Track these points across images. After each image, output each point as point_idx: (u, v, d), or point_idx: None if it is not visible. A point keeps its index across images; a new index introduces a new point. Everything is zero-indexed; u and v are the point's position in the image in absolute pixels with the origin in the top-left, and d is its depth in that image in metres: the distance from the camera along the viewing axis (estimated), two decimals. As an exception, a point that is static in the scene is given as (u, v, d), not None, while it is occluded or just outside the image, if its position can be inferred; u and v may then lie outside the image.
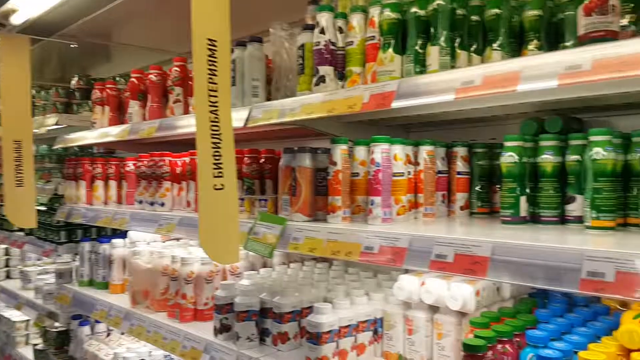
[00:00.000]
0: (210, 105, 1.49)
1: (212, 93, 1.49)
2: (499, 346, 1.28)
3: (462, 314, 1.53)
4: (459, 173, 1.80)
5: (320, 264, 2.17)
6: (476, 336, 1.25)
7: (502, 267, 1.08)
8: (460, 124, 2.04)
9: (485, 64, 1.12)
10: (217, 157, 1.49)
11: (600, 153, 1.26)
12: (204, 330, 2.03)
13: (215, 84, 1.50)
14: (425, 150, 1.71)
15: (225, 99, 1.52)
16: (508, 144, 1.48)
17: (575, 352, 1.17)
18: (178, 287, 2.22)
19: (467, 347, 1.18)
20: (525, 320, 1.38)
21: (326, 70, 1.53)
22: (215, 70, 1.50)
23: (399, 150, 1.60)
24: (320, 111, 1.41)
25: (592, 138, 1.29)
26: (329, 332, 1.53)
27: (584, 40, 1.07)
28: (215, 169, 1.49)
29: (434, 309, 1.60)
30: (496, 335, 1.27)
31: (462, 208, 1.80)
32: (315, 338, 1.53)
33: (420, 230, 1.35)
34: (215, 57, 1.50)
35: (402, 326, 1.62)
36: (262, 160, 2.06)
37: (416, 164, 1.72)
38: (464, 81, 1.11)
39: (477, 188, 1.79)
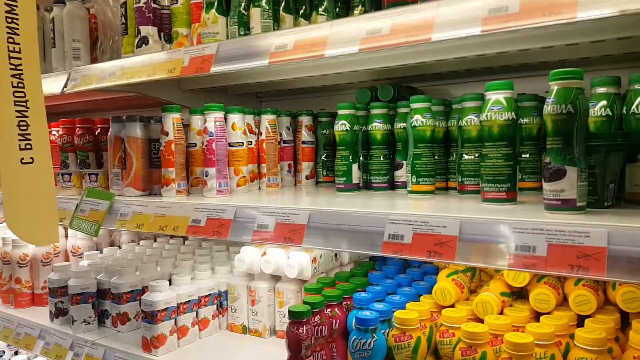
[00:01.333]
0: (12, 69, 1.30)
1: (13, 55, 1.29)
2: (328, 310, 1.29)
3: (302, 281, 1.54)
4: (304, 142, 1.79)
5: (174, 239, 2.07)
6: (304, 302, 1.25)
7: (317, 234, 1.07)
8: (310, 93, 2.03)
9: (297, 27, 1.09)
10: (23, 128, 1.31)
11: (419, 120, 1.31)
12: (41, 316, 1.86)
13: (17, 44, 1.30)
14: (267, 119, 1.67)
15: (31, 62, 1.33)
16: (340, 112, 1.49)
17: (395, 311, 1.22)
18: (11, 271, 2.01)
19: (291, 313, 1.18)
20: (357, 283, 1.42)
21: (149, 30, 1.40)
22: (16, 28, 1.30)
23: (238, 119, 1.54)
24: (140, 75, 1.29)
25: (412, 105, 1.32)
26: (165, 309, 1.45)
27: (387, 4, 1.07)
28: (21, 140, 1.31)
29: (276, 278, 1.59)
30: (324, 299, 1.28)
31: (307, 177, 1.80)
32: (151, 317, 1.44)
33: (253, 201, 1.31)
34: (15, 13, 1.30)
35: (246, 297, 1.59)
36: (98, 131, 1.88)
37: (258, 133, 1.67)
38: (277, 45, 1.07)
39: (322, 157, 1.80)
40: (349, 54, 0.99)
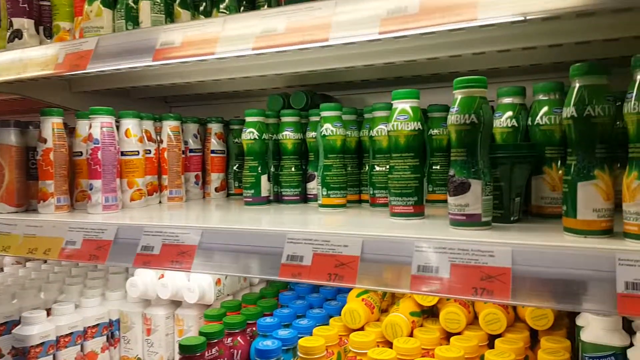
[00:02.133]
0: None
1: None
2: (229, 339, 1.17)
3: (205, 307, 1.40)
4: (213, 152, 1.66)
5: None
6: (200, 332, 1.12)
7: (210, 256, 0.95)
8: (222, 99, 1.91)
9: (187, 23, 0.98)
10: None
11: (329, 129, 1.23)
12: None
13: None
14: (169, 126, 1.52)
15: None
16: (248, 119, 1.38)
17: (300, 338, 1.12)
18: None
19: (182, 348, 1.04)
20: (264, 306, 1.31)
21: (23, 23, 1.23)
22: None
23: (132, 125, 1.39)
24: (9, 72, 1.12)
25: (322, 113, 1.24)
26: (41, 344, 1.26)
27: (284, 1, 0.99)
28: None
29: (176, 304, 1.44)
30: (224, 327, 1.16)
31: (217, 189, 1.66)
32: (22, 354, 1.25)
33: (144, 218, 1.16)
34: None
35: (141, 326, 1.43)
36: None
37: (159, 141, 1.53)
38: (163, 42, 0.95)
39: (234, 168, 1.68)
40: (242, 54, 0.88)
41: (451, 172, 0.89)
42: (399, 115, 1.02)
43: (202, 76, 1.50)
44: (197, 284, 1.34)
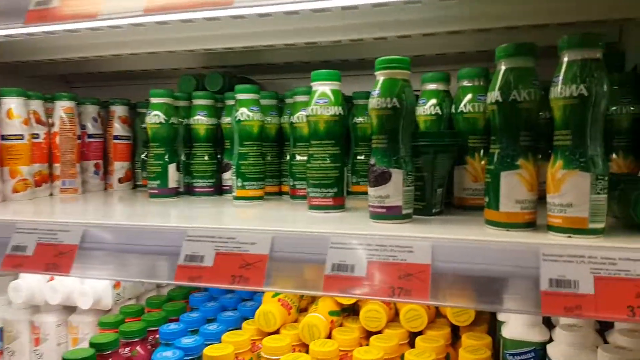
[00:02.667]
0: None
1: None
2: (126, 350, 1.04)
3: (103, 312, 1.25)
4: (116, 137, 1.49)
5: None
6: (91, 343, 0.98)
7: (95, 257, 0.82)
8: (130, 79, 1.73)
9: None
10: None
11: (245, 114, 1.12)
12: None
13: None
14: (61, 107, 1.34)
15: None
16: (154, 100, 1.23)
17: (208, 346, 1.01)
18: None
19: (65, 363, 0.90)
20: (170, 310, 1.18)
21: None
22: None
23: (16, 105, 1.20)
24: None
25: (238, 96, 1.13)
26: None
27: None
28: None
29: (70, 309, 1.27)
30: (120, 336, 1.02)
31: (121, 180, 1.50)
32: None
33: (23, 213, 1.00)
34: None
35: (28, 336, 1.25)
36: None
37: (50, 124, 1.34)
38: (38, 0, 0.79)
39: (142, 156, 1.52)
40: (134, 16, 0.75)
41: (372, 161, 0.81)
42: (319, 98, 0.93)
43: (99, 50, 1.33)
44: (91, 287, 1.18)
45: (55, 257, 0.81)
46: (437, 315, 1.08)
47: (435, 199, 0.88)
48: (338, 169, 0.94)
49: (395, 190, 0.79)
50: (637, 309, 0.54)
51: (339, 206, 0.94)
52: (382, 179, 0.80)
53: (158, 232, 0.80)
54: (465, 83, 0.94)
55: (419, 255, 0.66)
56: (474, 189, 0.93)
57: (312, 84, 0.95)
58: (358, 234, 0.71)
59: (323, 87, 0.93)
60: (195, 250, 0.77)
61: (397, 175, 0.79)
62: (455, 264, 0.66)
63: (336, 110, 0.93)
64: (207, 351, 0.92)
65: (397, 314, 1.09)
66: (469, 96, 0.93)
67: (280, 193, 1.28)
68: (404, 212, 0.80)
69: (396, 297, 0.65)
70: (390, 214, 0.79)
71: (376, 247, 0.69)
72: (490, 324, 1.07)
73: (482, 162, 0.93)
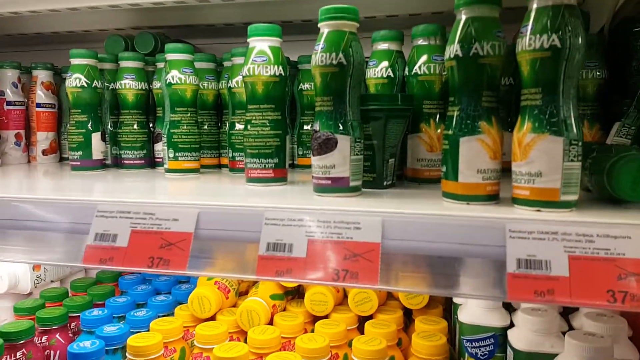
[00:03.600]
0: None
1: None
2: (43, 339, 0.91)
3: (23, 297, 1.11)
4: (39, 105, 1.33)
5: None
6: (0, 333, 0.85)
7: (-12, 237, 0.69)
8: (56, 43, 1.55)
9: None
10: None
11: (177, 76, 0.99)
12: None
13: None
14: (-31, 69, 1.17)
15: None
16: (74, 62, 1.08)
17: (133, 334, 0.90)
18: None
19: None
20: (96, 294, 1.06)
21: None
22: None
23: None
24: None
25: (168, 57, 1.00)
26: None
27: None
28: None
29: (-18, 295, 1.13)
30: (36, 324, 0.89)
31: (45, 152, 1.34)
32: None
33: None
34: None
35: None
36: None
37: (-45, 88, 1.17)
38: None
39: (68, 126, 1.36)
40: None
41: (315, 126, 0.71)
42: (257, 56, 0.82)
43: (16, 4, 1.16)
44: (6, 269, 1.04)
45: None
46: (388, 298, 1.01)
47: (386, 170, 0.79)
48: (279, 138, 0.83)
49: (342, 159, 0.70)
50: (618, 294, 0.47)
51: (280, 178, 0.84)
52: (326, 146, 0.70)
53: (63, 206, 0.68)
54: (421, 42, 0.85)
55: (368, 233, 0.58)
56: (429, 159, 0.84)
57: (249, 39, 0.83)
58: (297, 208, 0.61)
59: (261, 44, 0.82)
60: (107, 228, 0.65)
61: (343, 142, 0.69)
62: (409, 242, 0.57)
63: (276, 70, 0.82)
64: (132, 341, 0.81)
65: (345, 296, 1.02)
66: (424, 57, 0.84)
67: (219, 166, 1.17)
68: (352, 184, 0.71)
69: (341, 281, 0.56)
70: (336, 186, 0.70)
71: (319, 223, 0.59)
72: (445, 307, 1.01)
73: (439, 131, 0.84)
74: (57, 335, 0.93)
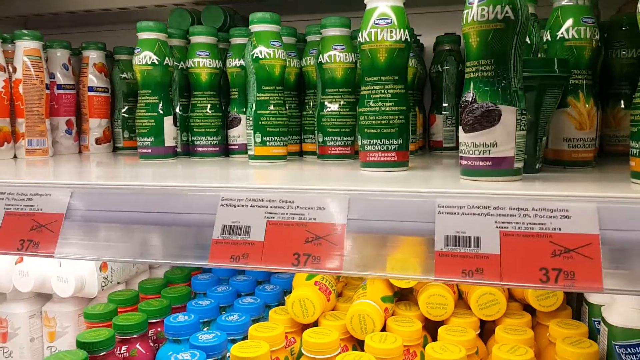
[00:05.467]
0: None
1: None
2: (123, 349, 0.81)
3: (87, 300, 1.01)
4: (92, 89, 1.23)
5: None
6: (78, 342, 0.75)
7: (87, 230, 0.58)
8: (107, 24, 1.45)
9: None
10: None
11: (265, 51, 0.88)
12: None
13: None
14: (24, 49, 1.06)
15: None
16: (143, 36, 0.97)
17: (234, 341, 0.79)
18: None
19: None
20: (172, 296, 0.95)
21: None
22: None
23: (-39, 40, 0.92)
24: None
25: (254, 28, 0.89)
26: None
27: None
28: None
29: (45, 297, 1.03)
30: (115, 332, 0.79)
31: (99, 141, 1.24)
32: None
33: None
34: None
35: (-10, 332, 1.00)
36: None
37: (12, 70, 1.06)
38: None
39: (122, 112, 1.26)
40: None
41: (467, 96, 0.59)
42: (379, 18, 0.70)
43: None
44: (71, 270, 0.94)
45: (32, 232, 0.57)
46: (510, 300, 0.89)
47: (539, 151, 0.68)
48: (403, 115, 0.72)
49: (505, 135, 0.58)
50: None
51: (404, 162, 0.73)
52: (487, 120, 0.58)
53: (175, 194, 0.57)
54: (565, 2, 0.73)
55: (581, 223, 0.46)
56: (578, 138, 0.72)
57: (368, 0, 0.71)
58: (484, 194, 0.49)
59: (383, 4, 0.70)
60: (238, 219, 0.54)
61: (508, 114, 0.58)
62: (628, 232, 0.46)
63: (402, 34, 0.70)
64: (237, 351, 0.70)
65: (459, 297, 0.90)
66: (570, 20, 0.72)
67: (300, 153, 1.06)
68: (516, 165, 0.59)
69: (552, 283, 0.45)
70: (498, 167, 0.58)
71: (510, 211, 0.47)
72: (575, 308, 0.89)
73: (588, 105, 0.72)
74: (137, 345, 0.83)
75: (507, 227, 0.46)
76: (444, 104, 1.14)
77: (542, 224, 0.45)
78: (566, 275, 0.43)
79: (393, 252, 0.48)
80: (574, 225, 0.45)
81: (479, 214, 0.47)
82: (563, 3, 0.73)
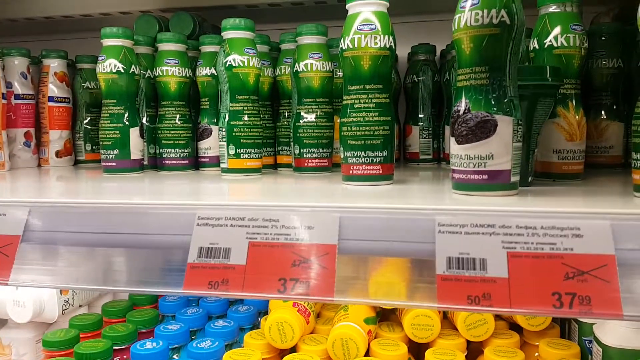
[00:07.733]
0: None
1: None
2: (83, 383, 0.73)
3: (46, 325, 0.93)
4: (52, 99, 1.15)
5: None
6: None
7: (45, 254, 0.51)
8: (70, 32, 1.37)
9: None
10: None
11: (238, 59, 0.83)
12: None
13: None
14: (-26, 53, 0.98)
15: None
16: (107, 43, 0.91)
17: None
18: None
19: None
20: (139, 320, 0.88)
21: None
22: None
23: None
24: None
25: (226, 35, 0.84)
26: None
27: None
28: None
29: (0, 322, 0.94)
30: (74, 367, 0.71)
31: (59, 154, 1.16)
32: None
33: None
34: None
35: None
36: None
37: (-41, 76, 0.98)
38: None
39: (84, 123, 1.18)
40: None
41: (460, 106, 0.56)
42: (362, 24, 0.66)
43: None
44: (29, 293, 0.85)
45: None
46: (495, 318, 0.86)
47: (531, 163, 0.65)
48: (388, 125, 0.68)
49: (502, 147, 0.54)
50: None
51: (388, 176, 0.69)
52: (481, 130, 0.55)
53: (143, 213, 0.51)
54: (553, 9, 0.71)
55: (592, 242, 0.42)
56: (568, 150, 0.70)
57: (349, 5, 0.68)
58: (489, 211, 0.45)
59: (366, 9, 0.67)
60: (215, 241, 0.48)
61: (504, 124, 0.54)
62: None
63: (386, 41, 0.66)
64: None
65: (445, 317, 0.86)
66: (559, 27, 0.70)
67: (275, 165, 1.01)
68: (513, 179, 0.55)
69: (567, 308, 0.41)
70: (494, 181, 0.55)
71: (523, 230, 0.44)
72: (562, 327, 0.86)
73: (578, 116, 0.70)
74: (99, 375, 0.75)
75: (515, 248, 0.42)
76: (420, 115, 1.12)
77: (553, 244, 0.42)
78: (581, 301, 0.40)
79: (389, 277, 0.44)
80: (587, 245, 0.41)
81: (483, 233, 0.43)
82: (551, 10, 0.71)
